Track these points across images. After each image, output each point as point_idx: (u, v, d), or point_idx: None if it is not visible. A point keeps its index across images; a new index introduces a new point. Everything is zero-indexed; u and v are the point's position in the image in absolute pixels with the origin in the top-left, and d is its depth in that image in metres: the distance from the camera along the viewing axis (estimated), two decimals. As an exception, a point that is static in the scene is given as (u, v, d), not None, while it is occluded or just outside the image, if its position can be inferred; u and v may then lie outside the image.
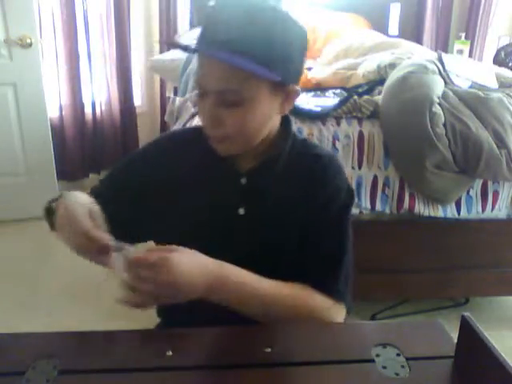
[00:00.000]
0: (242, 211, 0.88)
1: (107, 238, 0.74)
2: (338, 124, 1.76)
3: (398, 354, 0.68)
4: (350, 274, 0.89)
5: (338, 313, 0.86)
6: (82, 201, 0.80)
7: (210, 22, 0.79)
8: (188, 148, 0.93)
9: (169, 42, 1.00)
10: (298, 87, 0.85)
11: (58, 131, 3.10)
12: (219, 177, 0.90)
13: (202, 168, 0.91)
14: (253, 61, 0.75)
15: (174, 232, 0.86)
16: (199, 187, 0.90)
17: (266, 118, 0.84)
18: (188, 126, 1.79)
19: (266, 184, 0.89)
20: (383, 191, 1.77)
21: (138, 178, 0.92)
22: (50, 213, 0.86)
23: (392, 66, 1.97)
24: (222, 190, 0.89)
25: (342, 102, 1.81)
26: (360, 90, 2.00)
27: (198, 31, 0.84)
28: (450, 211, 1.81)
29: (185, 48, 0.85)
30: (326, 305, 0.85)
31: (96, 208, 0.79)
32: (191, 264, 0.74)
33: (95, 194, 0.90)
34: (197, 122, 1.76)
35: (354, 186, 1.74)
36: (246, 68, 0.76)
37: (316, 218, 0.88)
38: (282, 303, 0.82)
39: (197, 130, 0.96)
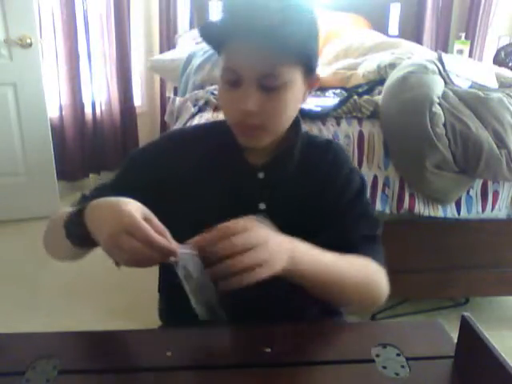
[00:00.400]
0: (262, 206, 0.88)
1: (175, 245, 0.66)
2: (338, 124, 1.76)
3: (398, 354, 0.68)
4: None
5: (385, 277, 0.86)
6: (132, 203, 0.68)
7: (242, 8, 0.78)
8: (190, 147, 0.91)
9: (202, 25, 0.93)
10: (319, 75, 0.88)
11: (57, 131, 3.11)
12: (235, 173, 0.89)
13: (210, 166, 0.89)
14: (295, 46, 0.77)
15: (185, 235, 0.85)
16: (212, 185, 0.88)
17: (297, 106, 0.86)
18: (188, 125, 1.79)
19: (284, 177, 0.90)
20: (383, 191, 1.77)
21: (139, 181, 0.88)
22: (76, 224, 0.73)
23: (392, 65, 1.97)
24: (240, 186, 0.89)
25: (342, 102, 1.81)
26: (360, 89, 2.00)
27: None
28: (450, 211, 1.81)
29: (218, 36, 0.81)
30: (380, 269, 0.86)
31: (147, 209, 0.69)
32: (271, 231, 0.69)
33: (86, 199, 0.84)
34: (197, 121, 1.76)
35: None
36: (301, 52, 0.78)
37: (339, 201, 0.89)
38: (352, 268, 0.81)
39: (197, 128, 0.95)
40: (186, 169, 0.89)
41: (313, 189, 0.90)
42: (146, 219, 0.66)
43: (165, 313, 1.01)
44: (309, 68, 0.83)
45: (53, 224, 0.86)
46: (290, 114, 0.85)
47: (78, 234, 0.72)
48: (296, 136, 0.91)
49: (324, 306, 0.94)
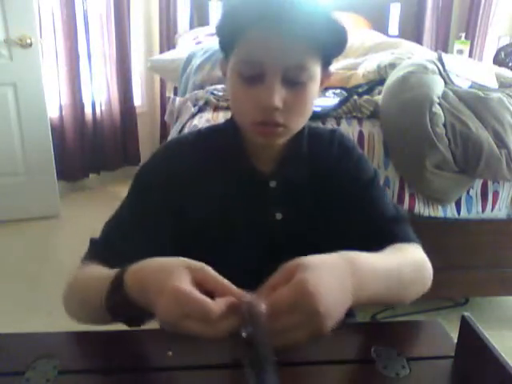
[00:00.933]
0: (279, 216, 0.84)
1: (237, 300, 0.54)
2: (338, 124, 1.76)
3: (399, 354, 0.68)
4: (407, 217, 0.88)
5: (422, 251, 0.84)
6: (178, 271, 0.56)
7: None
8: (192, 155, 0.85)
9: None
10: (331, 72, 0.83)
11: (57, 131, 3.11)
12: (244, 182, 0.84)
13: (216, 174, 0.84)
14: (325, 35, 0.72)
15: (204, 248, 0.81)
16: (221, 195, 0.83)
17: (314, 102, 0.80)
18: (188, 125, 1.79)
19: (297, 181, 0.85)
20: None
21: (154, 205, 0.82)
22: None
23: (392, 66, 1.98)
24: (251, 196, 0.83)
25: (342, 102, 1.81)
26: (360, 90, 2.00)
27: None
28: (450, 211, 1.81)
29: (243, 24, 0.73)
30: (419, 249, 0.83)
31: (194, 263, 0.58)
32: (326, 277, 0.55)
33: (109, 245, 0.79)
34: (197, 121, 1.76)
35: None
36: (329, 42, 0.73)
37: (353, 190, 0.85)
38: (407, 267, 0.73)
39: (195, 134, 0.90)
40: (190, 177, 0.84)
41: (325, 185, 0.86)
42: (198, 275, 0.56)
43: None
44: (327, 62, 0.79)
45: (78, 287, 0.76)
46: (310, 111, 0.80)
47: (123, 310, 0.62)
48: (302, 138, 0.86)
49: None
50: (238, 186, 0.84)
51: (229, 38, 0.76)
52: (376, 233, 0.81)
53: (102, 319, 0.66)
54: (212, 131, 0.91)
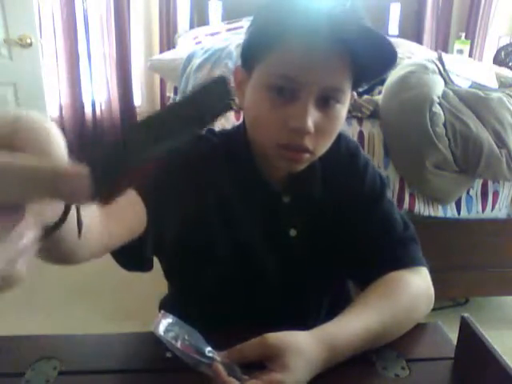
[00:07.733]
0: (293, 232, 0.80)
1: None
2: (338, 124, 1.76)
3: (398, 356, 0.68)
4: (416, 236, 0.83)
5: (424, 275, 0.80)
6: None
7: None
8: (191, 181, 0.77)
9: None
10: (354, 93, 0.76)
11: (57, 131, 3.10)
12: (257, 198, 0.78)
13: (226, 190, 0.78)
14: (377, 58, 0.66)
15: (217, 269, 0.79)
16: (234, 215, 0.78)
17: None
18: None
19: (312, 195, 0.80)
20: (383, 191, 1.77)
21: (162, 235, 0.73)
22: None
23: (392, 65, 1.97)
24: (264, 214, 0.79)
25: (342, 102, 1.81)
26: (360, 89, 1.99)
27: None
28: (450, 211, 1.81)
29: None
30: (417, 278, 0.78)
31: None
32: (304, 374, 0.60)
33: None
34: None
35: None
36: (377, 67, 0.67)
37: (367, 201, 0.81)
38: (395, 320, 0.70)
39: (206, 144, 0.81)
40: (199, 188, 0.76)
41: (337, 197, 0.81)
42: None
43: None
44: (356, 87, 0.72)
45: None
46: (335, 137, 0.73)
47: None
48: None
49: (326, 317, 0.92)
50: (249, 201, 0.78)
51: (263, 41, 0.66)
52: (380, 255, 0.78)
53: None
54: (223, 139, 0.81)
